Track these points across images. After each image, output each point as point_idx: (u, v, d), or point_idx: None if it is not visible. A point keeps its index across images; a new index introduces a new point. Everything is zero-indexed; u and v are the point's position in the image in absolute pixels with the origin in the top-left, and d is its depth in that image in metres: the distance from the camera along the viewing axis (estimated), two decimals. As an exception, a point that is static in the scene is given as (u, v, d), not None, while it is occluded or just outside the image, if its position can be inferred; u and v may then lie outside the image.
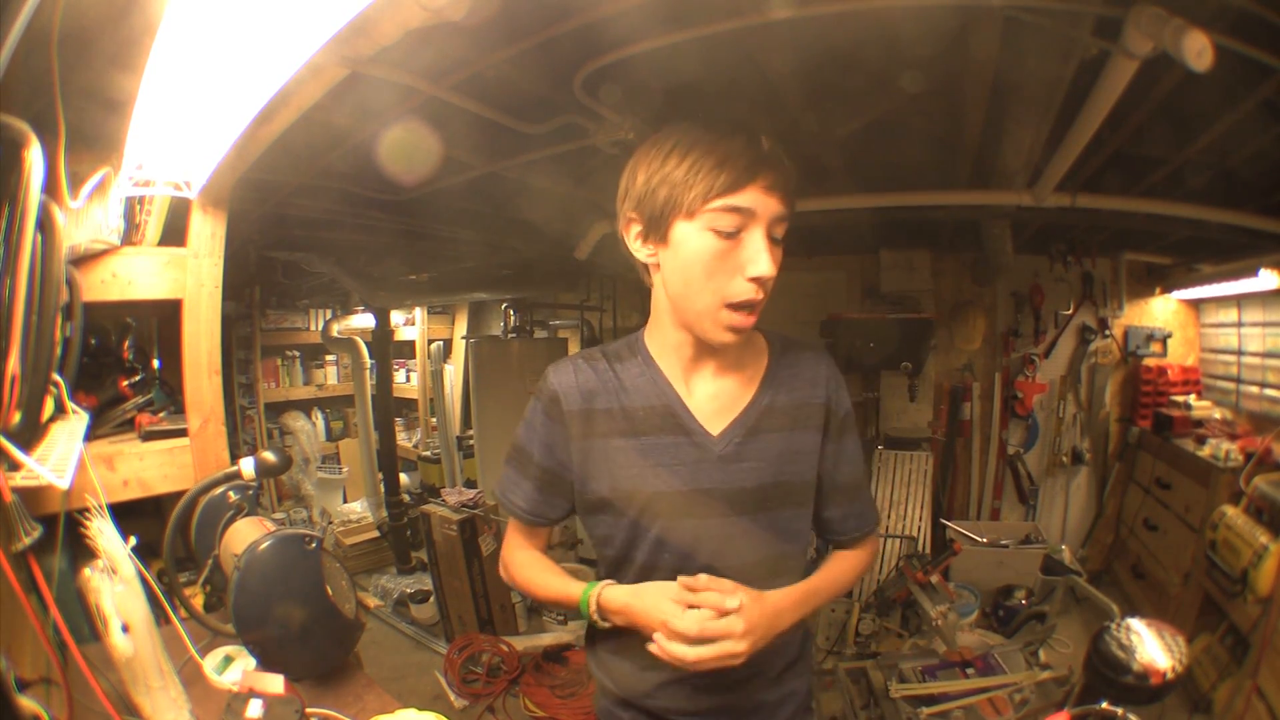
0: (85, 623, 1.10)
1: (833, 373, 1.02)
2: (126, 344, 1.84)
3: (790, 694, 1.07)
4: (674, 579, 0.90)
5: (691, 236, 0.86)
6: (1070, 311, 3.95)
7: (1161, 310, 3.90)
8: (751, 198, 0.84)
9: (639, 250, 0.94)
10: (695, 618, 0.85)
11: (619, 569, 1.01)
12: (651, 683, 1.01)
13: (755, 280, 0.86)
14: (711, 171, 0.83)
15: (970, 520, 3.86)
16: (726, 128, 0.86)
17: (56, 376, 1.13)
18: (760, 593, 0.90)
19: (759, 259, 0.85)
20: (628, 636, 0.95)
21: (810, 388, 0.99)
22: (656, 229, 0.89)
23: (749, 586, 0.91)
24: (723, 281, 0.87)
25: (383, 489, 4.66)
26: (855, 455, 1.05)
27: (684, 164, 0.85)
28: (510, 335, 4.45)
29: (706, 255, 0.86)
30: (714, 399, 0.97)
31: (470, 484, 4.66)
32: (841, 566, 1.08)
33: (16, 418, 0.94)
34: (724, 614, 0.85)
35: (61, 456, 0.98)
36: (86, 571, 1.00)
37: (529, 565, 1.08)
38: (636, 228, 0.93)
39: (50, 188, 1.00)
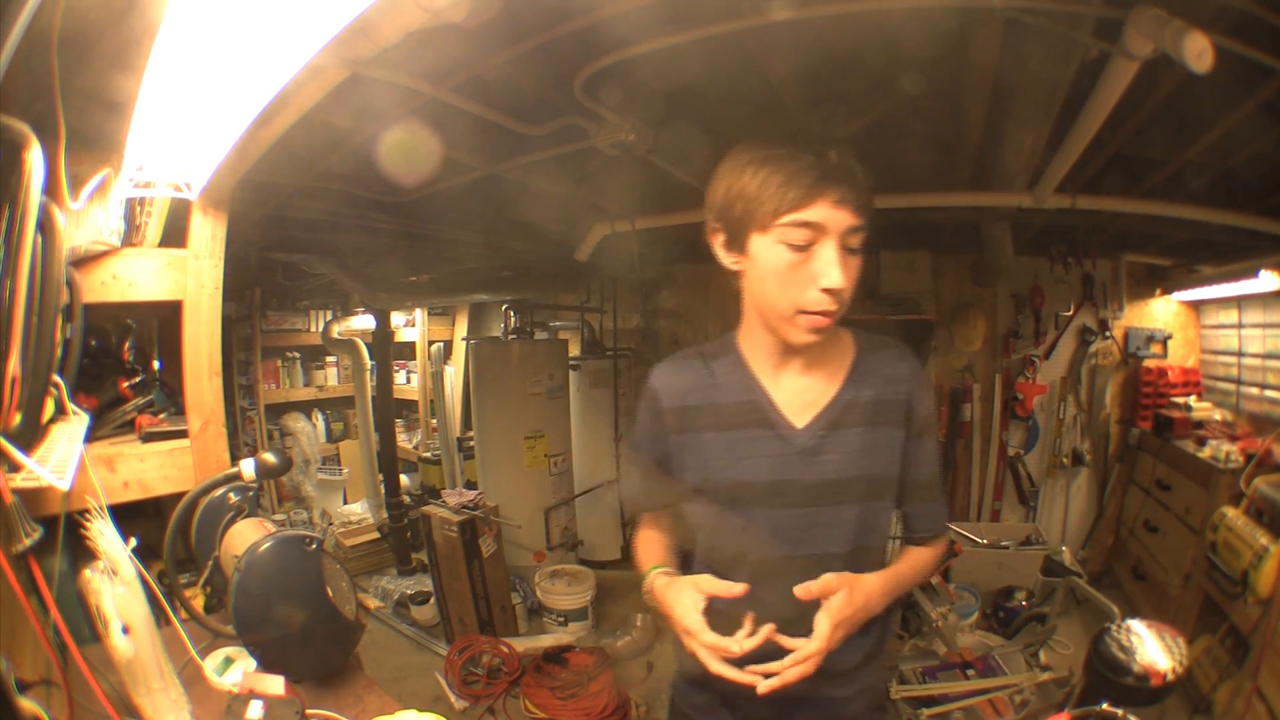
0: (86, 624, 1.09)
1: (915, 372, 1.04)
2: (127, 345, 1.84)
3: (865, 689, 1.09)
4: (761, 568, 0.98)
5: (766, 249, 0.91)
6: (1070, 313, 3.95)
7: (1162, 312, 3.90)
8: (820, 212, 0.87)
9: (725, 258, 0.99)
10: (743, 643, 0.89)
11: (711, 557, 1.06)
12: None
13: (827, 292, 0.89)
14: (780, 188, 0.87)
15: (970, 522, 3.86)
16: (801, 141, 0.90)
17: (57, 378, 1.13)
18: (853, 576, 0.93)
19: (830, 271, 0.88)
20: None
21: (893, 385, 1.02)
22: (736, 240, 0.95)
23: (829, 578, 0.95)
24: (796, 292, 0.90)
25: (383, 490, 4.65)
26: (932, 455, 1.07)
27: (756, 179, 0.89)
28: (511, 336, 4.44)
29: (780, 267, 0.90)
30: (799, 394, 1.02)
31: (471, 485, 4.65)
32: (917, 562, 1.10)
33: (17, 419, 0.94)
34: (732, 656, 0.89)
35: (62, 458, 0.98)
36: (87, 573, 1.00)
37: (643, 541, 1.16)
38: (721, 237, 0.98)
39: (51, 189, 1.00)
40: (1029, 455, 4.07)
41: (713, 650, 0.89)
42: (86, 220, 1.36)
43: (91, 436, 1.36)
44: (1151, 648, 1.03)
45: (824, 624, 0.88)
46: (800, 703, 1.02)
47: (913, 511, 1.08)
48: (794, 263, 0.89)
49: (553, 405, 4.24)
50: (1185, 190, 2.36)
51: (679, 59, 1.46)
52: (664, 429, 1.07)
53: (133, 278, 1.55)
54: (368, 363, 5.08)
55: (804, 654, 0.87)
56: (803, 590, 0.89)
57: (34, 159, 0.88)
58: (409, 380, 6.06)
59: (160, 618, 1.11)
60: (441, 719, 1.02)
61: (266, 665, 1.15)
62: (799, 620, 0.96)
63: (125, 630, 0.97)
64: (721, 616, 1.02)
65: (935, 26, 1.39)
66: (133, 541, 1.06)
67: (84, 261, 1.47)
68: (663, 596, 1.00)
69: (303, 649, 1.20)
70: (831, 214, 0.87)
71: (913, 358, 1.06)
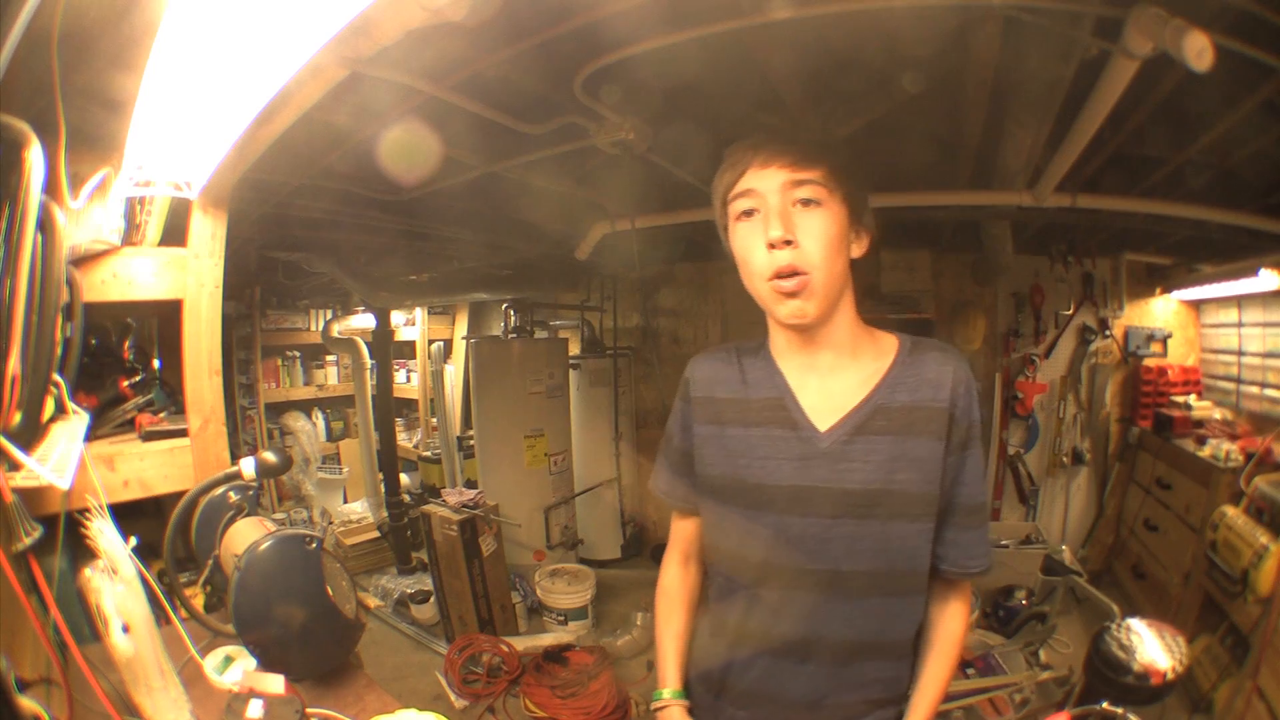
0: (86, 623, 1.09)
1: (962, 377, 0.95)
2: (127, 344, 1.84)
3: None
4: (773, 577, 0.96)
5: (733, 234, 0.96)
6: (1070, 312, 3.95)
7: (1162, 310, 3.90)
8: (751, 178, 0.91)
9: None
10: None
11: (722, 559, 1.04)
12: None
13: (772, 244, 0.89)
14: (723, 175, 0.95)
15: (970, 520, 3.85)
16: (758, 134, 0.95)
17: (57, 377, 1.13)
18: None
19: (771, 224, 0.89)
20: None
21: (933, 390, 0.94)
22: (724, 237, 0.99)
23: (854, 600, 0.93)
24: (757, 261, 0.92)
25: (383, 489, 4.65)
26: (976, 474, 0.96)
27: (717, 176, 0.97)
28: (511, 335, 4.45)
29: (740, 241, 0.94)
30: (827, 396, 0.97)
31: (471, 484, 4.65)
32: (948, 648, 1.00)
33: (17, 418, 0.94)
34: None
35: (62, 457, 0.98)
36: (87, 572, 1.00)
37: (668, 603, 1.15)
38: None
39: (51, 188, 1.00)
40: (1029, 454, 4.07)
41: None
42: (86, 219, 1.36)
43: (91, 435, 1.37)
44: (1151, 647, 1.04)
45: None
46: (813, 704, 0.99)
47: (948, 539, 0.97)
48: (747, 231, 0.93)
49: (553, 404, 4.24)
50: (1185, 189, 2.36)
51: (679, 57, 1.46)
52: (692, 419, 1.06)
53: (133, 276, 1.55)
54: (368, 362, 5.08)
55: None
56: None
57: (34, 158, 0.88)
58: (409, 379, 6.06)
59: (160, 617, 1.11)
60: (442, 718, 1.02)
61: (266, 664, 1.15)
62: (808, 638, 0.95)
63: (125, 629, 0.97)
64: (730, 611, 1.02)
65: (935, 25, 1.39)
66: (133, 540, 1.06)
67: (84, 260, 1.47)
68: None
69: (303, 648, 1.20)
70: (762, 175, 0.90)
71: (960, 362, 0.96)
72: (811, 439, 0.95)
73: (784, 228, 0.88)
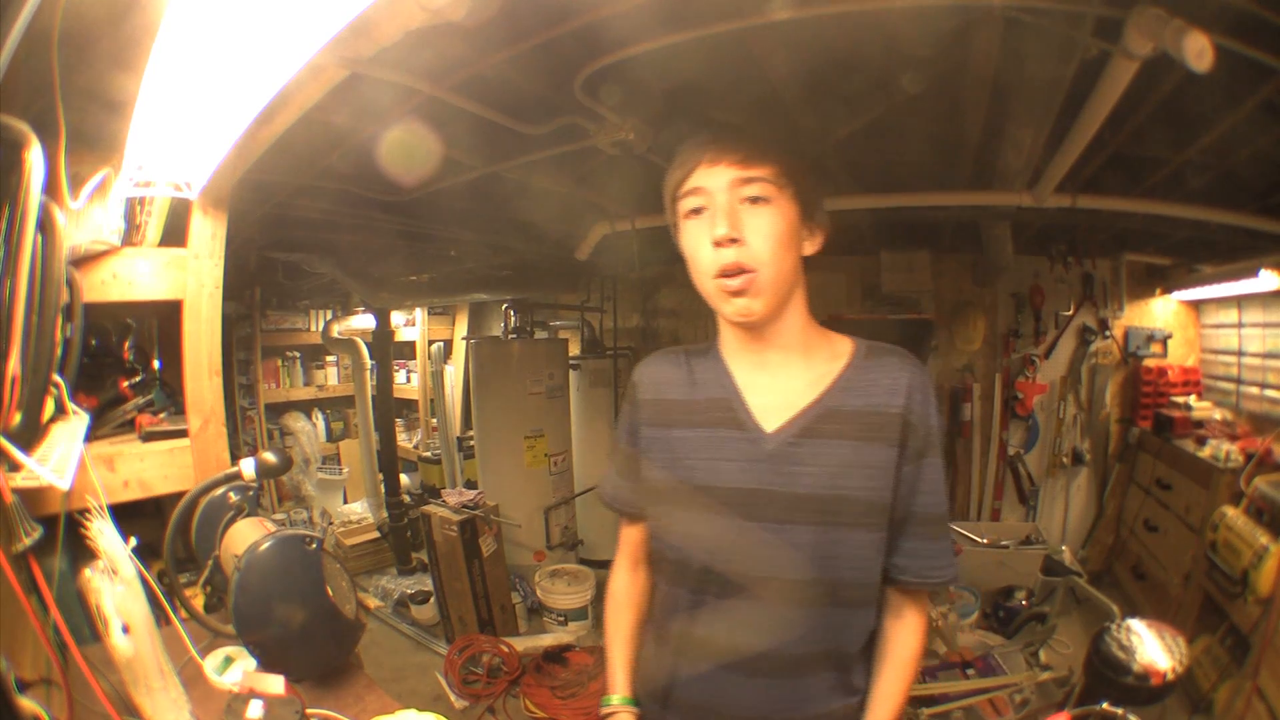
0: (86, 624, 1.10)
1: (918, 383, 0.92)
2: (127, 345, 1.84)
3: None
4: (715, 583, 0.93)
5: (682, 230, 0.95)
6: (1070, 312, 3.95)
7: (1162, 311, 3.90)
8: (699, 176, 0.91)
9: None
10: None
11: (666, 563, 1.02)
12: None
13: (718, 243, 0.88)
14: (673, 173, 0.95)
15: (970, 521, 3.86)
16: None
17: (57, 377, 1.13)
18: None
19: (717, 221, 0.88)
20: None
21: (888, 396, 0.91)
22: (675, 234, 0.98)
23: (801, 610, 0.90)
24: (704, 258, 0.91)
25: (383, 490, 4.65)
26: (935, 483, 0.93)
27: (667, 174, 0.96)
28: (511, 336, 4.44)
29: (689, 239, 0.93)
30: (775, 395, 0.95)
31: (471, 484, 4.65)
32: (903, 663, 0.97)
33: (17, 418, 0.94)
34: None
35: (62, 457, 0.98)
36: (87, 572, 1.00)
37: (616, 608, 1.15)
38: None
39: (51, 188, 1.00)
40: (1029, 455, 4.07)
41: None
42: (86, 219, 1.36)
43: (91, 436, 1.36)
44: (1151, 647, 1.04)
45: None
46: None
47: (908, 549, 0.93)
48: (695, 229, 0.92)
49: (553, 405, 4.24)
50: (1185, 190, 2.36)
51: (679, 58, 1.46)
52: (639, 422, 1.04)
53: (133, 277, 1.55)
54: (368, 362, 5.08)
55: None
56: None
57: (34, 158, 0.88)
58: (409, 380, 6.06)
59: (160, 617, 1.11)
60: (441, 718, 1.02)
61: (266, 664, 1.15)
62: (754, 648, 0.92)
63: (125, 630, 0.97)
64: (674, 619, 1.00)
65: (935, 25, 1.39)
66: (133, 541, 1.06)
67: (84, 261, 1.46)
68: None
69: (303, 648, 1.20)
70: (709, 173, 0.90)
71: (917, 368, 0.94)
72: (758, 440, 0.93)
73: (729, 225, 0.87)
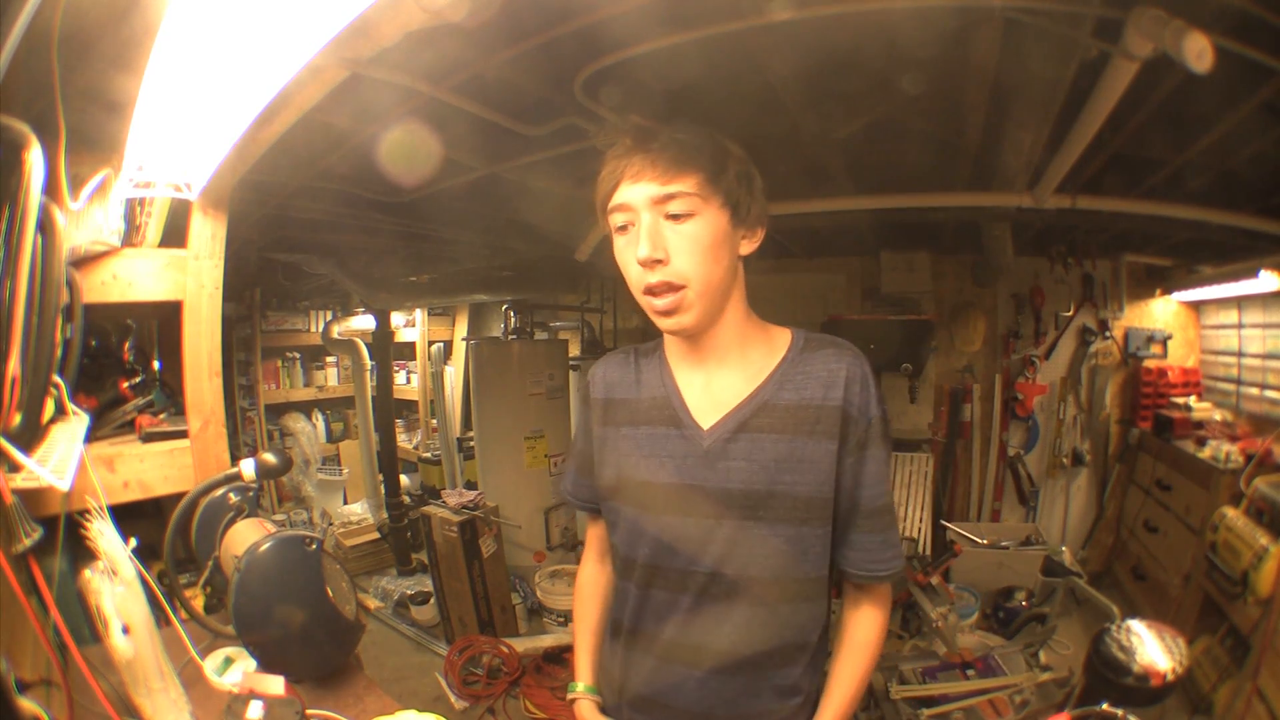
0: (86, 624, 1.09)
1: (857, 373, 0.91)
2: (127, 345, 1.84)
3: None
4: (658, 579, 0.95)
5: (614, 243, 0.93)
6: (1070, 313, 3.95)
7: (1162, 312, 3.90)
8: (623, 193, 0.88)
9: None
10: None
11: (626, 566, 1.02)
12: None
13: (642, 264, 0.87)
14: (600, 185, 0.91)
15: (970, 522, 3.86)
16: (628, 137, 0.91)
17: (57, 378, 1.13)
18: None
19: (640, 242, 0.87)
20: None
21: (824, 389, 0.90)
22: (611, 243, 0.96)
23: (744, 605, 0.91)
24: (632, 274, 0.90)
25: (383, 490, 4.66)
26: (877, 475, 0.93)
27: (596, 184, 0.93)
28: (511, 337, 4.44)
29: (619, 255, 0.92)
30: (712, 394, 0.96)
31: (471, 485, 4.65)
32: (861, 655, 0.97)
33: (17, 419, 0.94)
34: None
35: (62, 458, 0.98)
36: (87, 573, 1.00)
37: (582, 599, 1.18)
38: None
39: (51, 189, 1.00)
40: (1029, 455, 4.07)
41: None
42: (86, 220, 1.36)
43: (91, 436, 1.36)
44: (1151, 648, 1.04)
45: None
46: (706, 713, 0.96)
47: (852, 542, 0.94)
48: (623, 245, 0.91)
49: (553, 405, 4.24)
50: (1185, 190, 2.35)
51: (679, 59, 1.46)
52: (591, 421, 1.06)
53: (133, 278, 1.55)
54: (368, 363, 5.08)
55: None
56: None
57: (34, 159, 0.88)
58: (409, 380, 6.06)
59: (160, 618, 1.11)
60: (441, 719, 1.02)
61: (266, 665, 1.15)
62: (700, 643, 0.94)
63: (125, 630, 0.97)
64: (624, 614, 1.02)
65: (935, 26, 1.39)
66: (133, 541, 1.06)
67: (84, 261, 1.46)
68: None
69: (303, 649, 1.20)
70: (632, 190, 0.87)
71: (855, 358, 0.93)
72: (694, 437, 0.94)
73: (652, 246, 0.85)
